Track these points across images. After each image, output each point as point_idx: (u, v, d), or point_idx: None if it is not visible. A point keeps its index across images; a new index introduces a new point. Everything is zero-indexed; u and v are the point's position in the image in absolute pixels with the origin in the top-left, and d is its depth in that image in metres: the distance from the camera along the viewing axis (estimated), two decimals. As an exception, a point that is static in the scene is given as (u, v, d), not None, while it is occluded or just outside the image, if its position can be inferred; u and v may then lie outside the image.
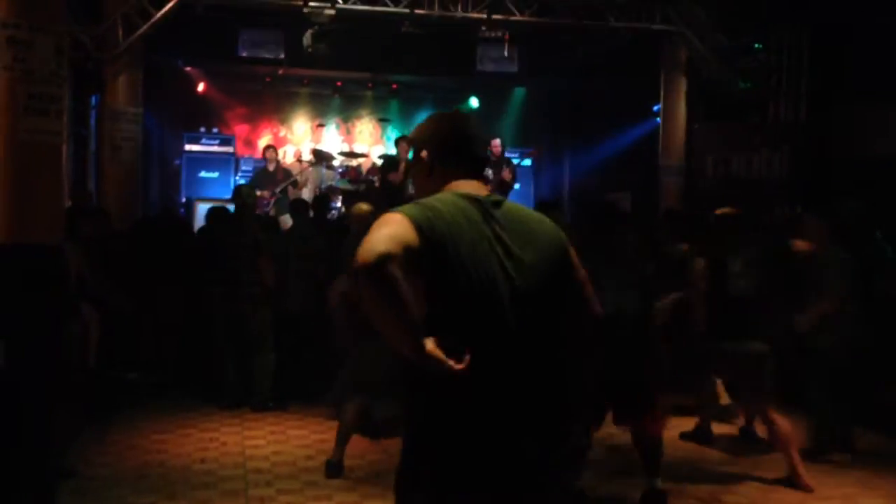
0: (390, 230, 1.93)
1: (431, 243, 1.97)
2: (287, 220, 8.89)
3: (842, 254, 5.56)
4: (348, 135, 14.69)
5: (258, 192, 9.31)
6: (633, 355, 4.55)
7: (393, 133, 14.41)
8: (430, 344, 1.86)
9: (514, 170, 11.96)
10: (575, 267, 2.28)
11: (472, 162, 2.29)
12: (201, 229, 8.29)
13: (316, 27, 10.46)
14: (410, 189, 11.32)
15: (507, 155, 12.31)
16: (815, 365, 5.55)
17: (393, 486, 2.14)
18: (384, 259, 1.83)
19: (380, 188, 10.92)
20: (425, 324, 1.92)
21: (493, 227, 2.11)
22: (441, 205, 2.07)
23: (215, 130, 12.78)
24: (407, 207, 2.04)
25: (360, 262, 1.84)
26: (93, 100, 10.64)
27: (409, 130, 12.24)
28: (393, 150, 12.53)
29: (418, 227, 1.97)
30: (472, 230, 2.06)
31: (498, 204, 2.18)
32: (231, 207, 7.59)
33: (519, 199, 12.63)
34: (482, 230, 2.08)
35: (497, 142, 12.07)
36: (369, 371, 5.00)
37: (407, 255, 1.89)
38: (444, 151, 2.28)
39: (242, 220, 6.94)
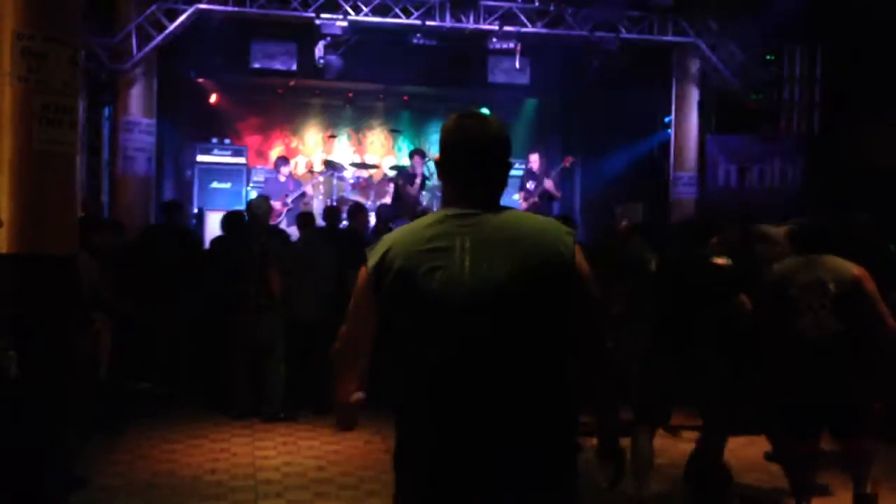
0: (353, 299, 2.27)
1: (381, 277, 2.16)
2: (294, 232, 8.91)
3: None
4: (359, 146, 14.71)
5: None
6: (842, 375, 4.46)
7: (404, 143, 14.43)
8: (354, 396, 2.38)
9: (558, 181, 12.09)
10: (578, 287, 2.13)
11: (464, 174, 2.23)
12: (215, 239, 8.31)
13: (328, 39, 10.51)
14: (423, 202, 11.41)
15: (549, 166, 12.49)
16: None
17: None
18: (337, 357, 2.37)
19: (394, 201, 10.96)
20: (388, 340, 2.18)
21: (462, 241, 2.11)
22: (407, 231, 2.21)
23: (227, 141, 12.80)
24: (371, 252, 2.22)
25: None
26: (106, 111, 10.70)
27: (421, 142, 12.32)
28: (404, 161, 12.58)
29: (372, 271, 2.18)
30: (434, 249, 2.11)
31: (475, 216, 2.14)
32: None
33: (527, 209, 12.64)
34: (450, 245, 2.11)
35: (535, 157, 12.20)
36: None
37: (364, 312, 2.24)
38: (441, 165, 2.29)
39: (252, 230, 6.97)
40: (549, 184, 11.92)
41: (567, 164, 12.24)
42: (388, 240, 2.20)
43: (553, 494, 2.09)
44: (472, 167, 2.22)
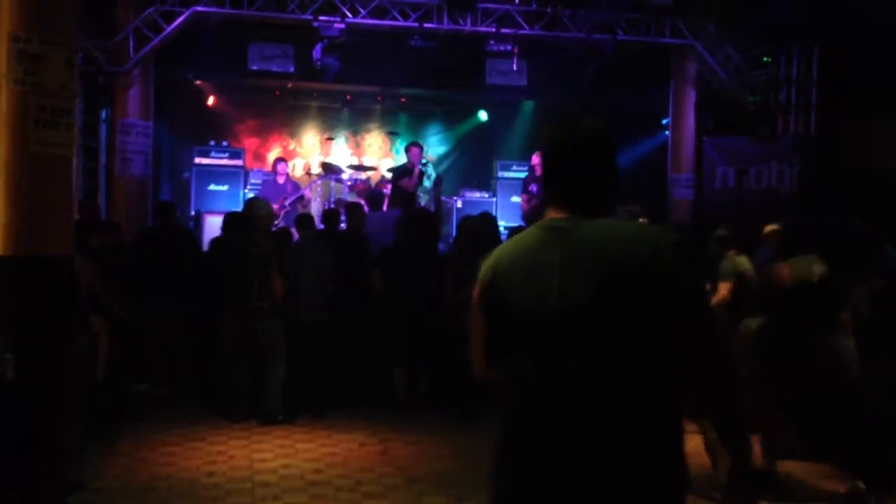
0: (471, 310, 2.24)
1: (487, 289, 2.15)
2: (294, 234, 8.91)
3: None
4: (357, 148, 14.71)
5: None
6: None
7: (402, 146, 14.42)
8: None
9: None
10: (679, 302, 1.92)
11: (560, 178, 2.14)
12: (215, 239, 8.29)
13: (326, 41, 10.51)
14: (427, 188, 11.39)
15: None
16: None
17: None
18: (473, 368, 2.28)
19: (392, 195, 10.94)
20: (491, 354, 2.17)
21: (555, 253, 2.02)
22: (511, 243, 2.18)
23: (225, 143, 12.79)
24: (483, 263, 2.21)
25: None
26: (103, 113, 10.70)
27: (417, 141, 12.30)
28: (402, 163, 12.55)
29: (479, 283, 2.18)
30: (531, 262, 2.05)
31: (570, 228, 2.03)
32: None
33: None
34: (544, 259, 2.03)
35: (538, 158, 12.15)
36: None
37: (477, 324, 2.20)
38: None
39: (254, 232, 6.94)
40: None
41: None
42: (496, 252, 2.18)
43: None
44: (566, 171, 2.12)
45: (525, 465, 1.99)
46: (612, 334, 1.92)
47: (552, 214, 2.11)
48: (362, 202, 10.68)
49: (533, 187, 12.15)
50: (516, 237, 2.19)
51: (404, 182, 10.71)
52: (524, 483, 1.99)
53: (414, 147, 11.08)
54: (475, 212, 10.70)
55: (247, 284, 6.71)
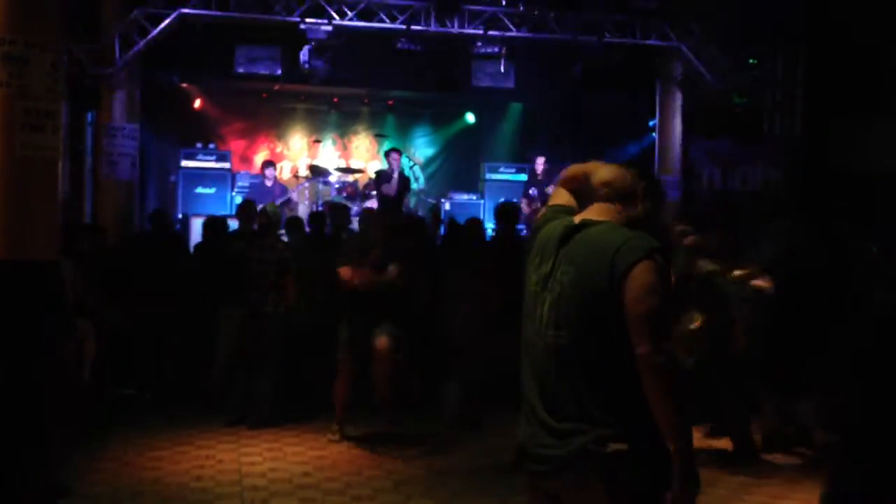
0: None
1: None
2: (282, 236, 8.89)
3: None
4: (345, 150, 14.70)
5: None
6: None
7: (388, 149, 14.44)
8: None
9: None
10: (622, 297, 2.31)
11: (616, 194, 2.54)
12: (199, 244, 8.27)
13: (313, 43, 10.50)
14: (414, 190, 11.37)
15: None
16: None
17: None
18: None
19: (378, 203, 10.95)
20: None
21: (561, 249, 2.48)
22: (543, 232, 2.61)
23: (212, 146, 12.75)
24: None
25: None
26: (89, 116, 10.64)
27: (406, 146, 12.34)
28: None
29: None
30: (547, 252, 2.52)
31: (579, 228, 2.48)
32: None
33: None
34: (555, 252, 2.49)
35: (541, 160, 12.22)
36: None
37: None
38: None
39: (267, 237, 6.89)
40: (552, 189, 11.93)
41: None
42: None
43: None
44: (603, 181, 2.59)
45: (523, 400, 2.54)
46: (580, 323, 2.38)
47: (588, 210, 2.58)
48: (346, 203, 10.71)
49: (533, 191, 12.19)
50: (550, 225, 2.66)
51: (384, 188, 10.81)
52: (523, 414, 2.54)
53: (392, 153, 11.17)
54: (462, 213, 10.72)
55: (264, 291, 6.65)
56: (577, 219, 2.53)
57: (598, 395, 2.33)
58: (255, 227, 7.19)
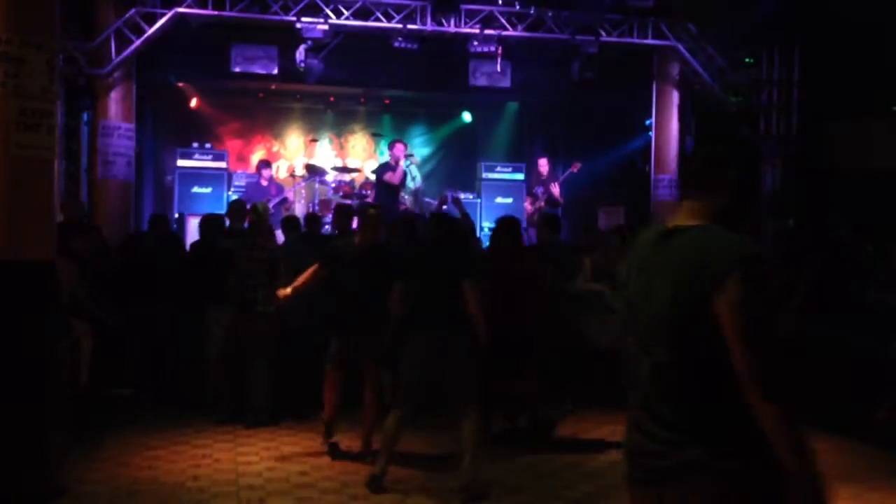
0: None
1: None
2: (279, 236, 8.88)
3: None
4: (341, 150, 14.69)
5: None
6: None
7: (386, 147, 14.42)
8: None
9: (563, 187, 12.16)
10: (717, 313, 2.11)
11: (692, 184, 2.34)
12: (195, 243, 8.26)
13: (309, 42, 10.49)
14: (410, 188, 11.31)
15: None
16: None
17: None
18: None
19: (376, 191, 10.95)
20: None
21: (654, 258, 2.30)
22: (639, 239, 2.44)
23: (208, 146, 12.73)
24: None
25: None
26: (85, 115, 10.62)
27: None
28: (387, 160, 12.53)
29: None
30: (642, 262, 2.35)
31: (670, 234, 2.28)
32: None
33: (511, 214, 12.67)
34: (646, 257, 2.34)
35: (544, 161, 12.23)
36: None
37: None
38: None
39: (257, 236, 6.88)
40: (555, 189, 11.99)
41: (575, 170, 12.25)
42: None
43: None
44: (686, 178, 2.37)
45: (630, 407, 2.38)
46: (668, 331, 2.23)
47: (677, 213, 2.39)
48: (349, 202, 10.70)
49: (538, 189, 12.20)
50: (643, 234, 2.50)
51: (388, 176, 10.73)
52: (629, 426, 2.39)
53: (397, 143, 11.14)
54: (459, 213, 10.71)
55: (251, 288, 6.65)
56: (670, 223, 2.33)
57: (703, 409, 2.19)
58: (239, 225, 7.19)
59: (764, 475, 2.16)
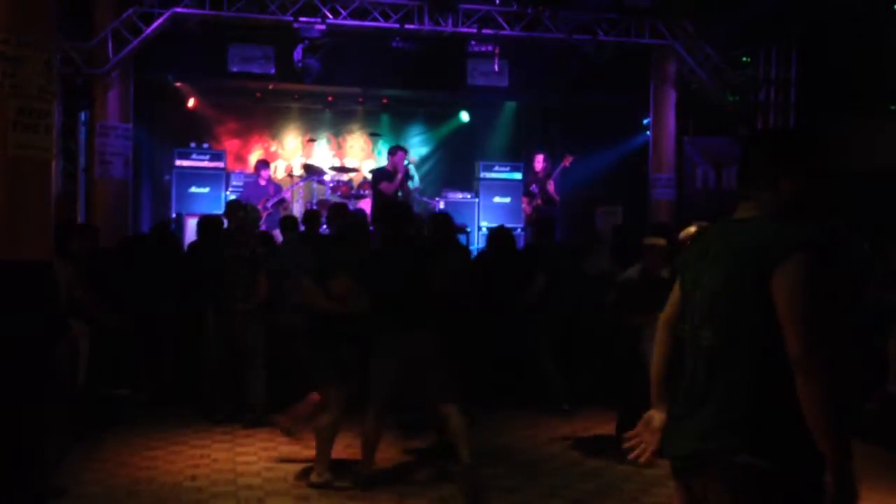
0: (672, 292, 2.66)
1: (676, 278, 2.59)
2: (277, 236, 8.88)
3: None
4: (339, 149, 14.68)
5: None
6: None
7: (384, 147, 14.41)
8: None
9: (558, 183, 12.15)
10: (773, 297, 2.13)
11: (744, 184, 2.38)
12: (192, 244, 8.26)
13: (307, 42, 10.49)
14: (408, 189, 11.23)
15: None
16: None
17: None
18: (661, 324, 2.66)
19: (373, 202, 10.89)
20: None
21: (711, 248, 2.36)
22: (698, 237, 2.66)
23: (206, 146, 12.72)
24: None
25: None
26: (82, 115, 10.62)
27: (400, 144, 12.30)
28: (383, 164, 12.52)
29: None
30: (699, 252, 2.41)
31: (728, 226, 2.36)
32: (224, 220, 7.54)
33: (507, 214, 12.68)
34: (706, 251, 2.38)
35: (540, 157, 12.20)
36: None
37: (674, 301, 2.61)
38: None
39: (243, 234, 6.90)
40: (550, 186, 11.98)
41: (567, 164, 12.21)
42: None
43: None
44: (746, 175, 2.40)
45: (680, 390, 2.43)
46: (721, 314, 2.28)
47: (739, 208, 2.44)
48: (345, 202, 10.67)
49: (534, 187, 12.19)
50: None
51: (383, 185, 10.59)
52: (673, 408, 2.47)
53: (399, 151, 10.87)
54: (456, 213, 10.70)
55: (234, 286, 6.68)
56: (729, 218, 2.41)
57: (746, 399, 2.18)
58: (234, 225, 7.20)
59: (794, 479, 2.11)
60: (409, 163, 11.43)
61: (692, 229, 6.04)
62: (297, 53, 10.71)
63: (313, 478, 5.24)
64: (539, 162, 12.27)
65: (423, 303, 5.03)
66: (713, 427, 2.22)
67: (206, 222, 7.96)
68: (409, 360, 5.04)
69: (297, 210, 12.16)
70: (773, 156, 2.30)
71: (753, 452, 2.13)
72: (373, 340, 5.16)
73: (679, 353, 2.50)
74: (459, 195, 12.90)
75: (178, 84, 13.13)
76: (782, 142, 2.37)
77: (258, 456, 5.93)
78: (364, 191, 11.93)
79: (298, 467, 5.66)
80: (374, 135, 14.44)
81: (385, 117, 14.78)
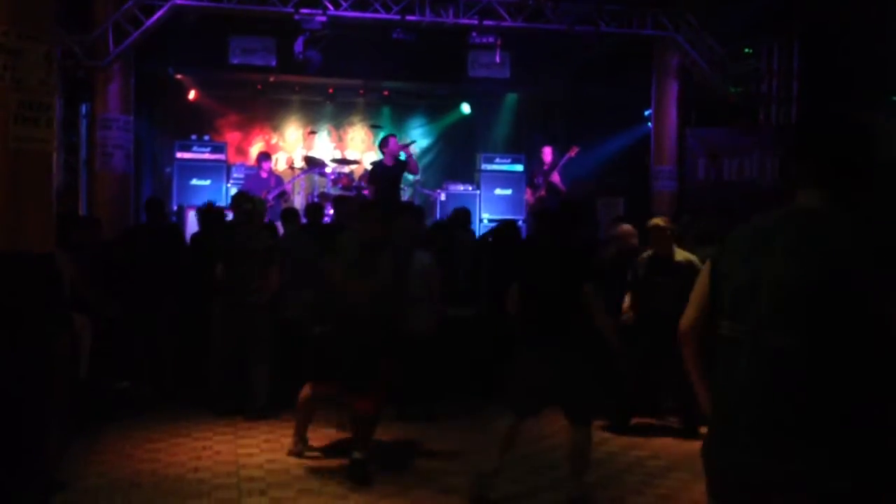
0: (693, 292, 2.46)
1: (715, 272, 2.34)
2: (278, 228, 8.88)
3: None
4: (340, 142, 14.68)
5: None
6: None
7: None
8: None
9: (563, 174, 12.14)
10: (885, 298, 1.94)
11: (806, 170, 2.22)
12: (195, 235, 8.25)
13: (307, 34, 10.47)
14: (409, 180, 11.15)
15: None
16: None
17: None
18: (684, 333, 2.46)
19: (373, 195, 10.86)
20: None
21: (776, 239, 2.15)
22: (745, 227, 2.29)
23: (207, 138, 12.71)
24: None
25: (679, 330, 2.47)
26: (83, 108, 10.61)
27: (401, 136, 12.28)
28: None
29: (710, 269, 2.37)
30: (758, 244, 2.19)
31: (793, 215, 2.17)
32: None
33: (509, 206, 12.67)
34: (761, 242, 2.19)
35: (548, 150, 12.18)
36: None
37: (702, 302, 2.39)
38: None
39: (251, 226, 6.88)
40: (555, 177, 11.97)
41: (573, 155, 12.18)
42: (725, 239, 2.38)
43: None
44: (801, 165, 2.24)
45: (723, 405, 2.20)
46: (820, 318, 2.02)
47: (799, 196, 2.25)
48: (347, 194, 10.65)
49: (539, 179, 12.18)
50: (754, 220, 2.32)
51: (376, 176, 10.47)
52: (724, 421, 2.19)
53: (390, 138, 10.63)
54: (457, 204, 10.67)
55: (245, 278, 6.66)
56: (788, 207, 2.22)
57: (828, 411, 1.96)
58: (241, 217, 7.19)
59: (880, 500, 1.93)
60: (403, 152, 11.31)
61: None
62: (298, 45, 10.68)
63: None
64: (547, 154, 12.24)
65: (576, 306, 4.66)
66: (796, 444, 1.97)
67: (209, 213, 7.93)
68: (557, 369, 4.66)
69: (299, 202, 12.16)
70: (858, 139, 2.17)
71: (843, 474, 1.94)
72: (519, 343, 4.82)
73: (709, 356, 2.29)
74: (461, 187, 12.90)
75: (178, 76, 13.12)
76: (866, 127, 2.21)
77: (260, 448, 5.94)
78: (365, 183, 11.91)
79: (301, 459, 5.67)
80: (375, 127, 14.41)
81: (386, 109, 14.77)
